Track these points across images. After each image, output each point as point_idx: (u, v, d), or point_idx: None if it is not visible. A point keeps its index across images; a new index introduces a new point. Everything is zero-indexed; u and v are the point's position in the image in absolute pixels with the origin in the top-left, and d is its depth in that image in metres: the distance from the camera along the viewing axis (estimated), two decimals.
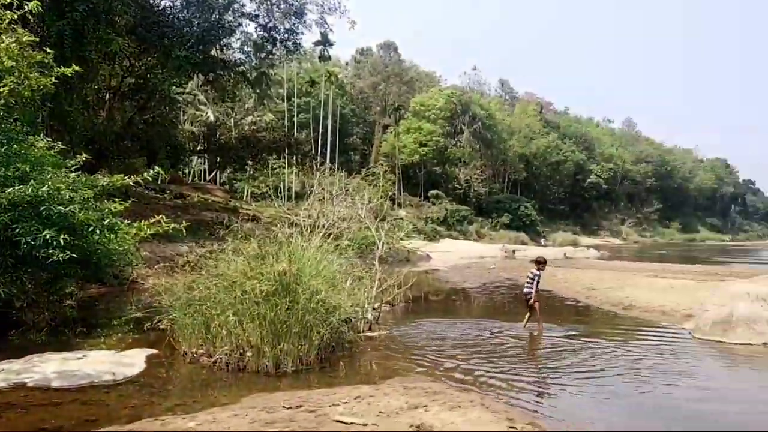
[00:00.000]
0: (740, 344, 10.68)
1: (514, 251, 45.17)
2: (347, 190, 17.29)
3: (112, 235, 10.56)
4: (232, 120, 40.88)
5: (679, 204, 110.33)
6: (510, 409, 6.68)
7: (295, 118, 51.04)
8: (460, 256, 39.76)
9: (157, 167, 12.29)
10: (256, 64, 33.27)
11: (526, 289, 12.46)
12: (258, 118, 42.72)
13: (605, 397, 7.57)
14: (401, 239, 19.75)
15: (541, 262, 12.68)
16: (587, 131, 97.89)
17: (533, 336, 11.87)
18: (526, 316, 12.44)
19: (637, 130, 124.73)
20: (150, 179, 11.54)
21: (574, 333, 12.03)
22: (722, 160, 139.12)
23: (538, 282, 12.41)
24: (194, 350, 8.85)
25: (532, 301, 12.31)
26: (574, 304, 16.89)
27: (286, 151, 39.22)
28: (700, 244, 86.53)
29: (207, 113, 39.43)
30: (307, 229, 12.37)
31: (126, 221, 11.06)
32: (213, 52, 28.74)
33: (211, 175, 47.86)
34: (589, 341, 11.16)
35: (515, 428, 5.72)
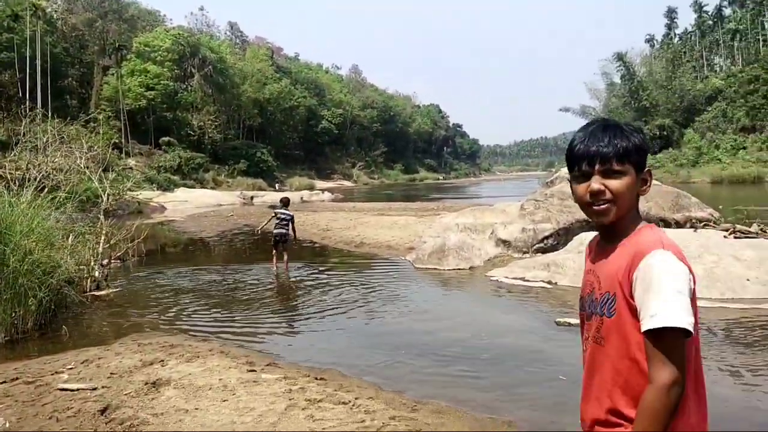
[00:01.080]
0: (452, 270, 12.11)
1: (252, 198, 45.19)
2: (63, 138, 15.66)
3: None
4: None
5: (401, 147, 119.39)
6: (250, 354, 6.81)
7: None
8: (197, 206, 38.63)
9: None
10: None
11: (280, 230, 12.77)
12: None
13: (337, 331, 8.09)
14: (130, 190, 18.59)
15: (287, 203, 13.34)
16: (317, 77, 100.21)
17: (275, 278, 12.19)
18: (275, 257, 12.86)
19: (363, 77, 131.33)
20: None
21: (311, 273, 12.56)
22: (436, 106, 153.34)
23: (293, 221, 12.96)
24: None
25: (295, 242, 13.23)
26: (311, 246, 17.55)
27: None
28: (420, 183, 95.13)
29: None
30: (15, 183, 11.01)
31: None
32: None
33: None
34: (325, 279, 11.76)
35: (255, 370, 5.86)
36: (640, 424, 1.50)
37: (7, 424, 4.51)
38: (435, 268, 12.22)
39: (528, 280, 10.39)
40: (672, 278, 1.52)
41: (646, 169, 1.71)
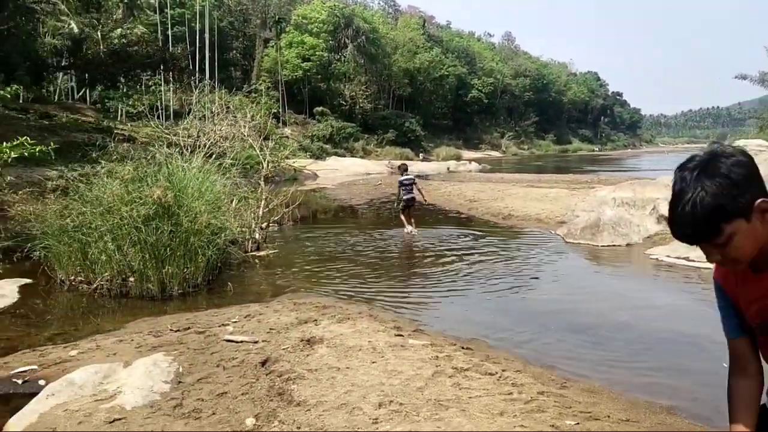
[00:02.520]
0: (607, 246, 11.59)
1: (399, 167, 45.76)
2: (229, 107, 16.74)
3: None
4: (99, 33, 37.74)
5: (554, 117, 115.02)
6: (397, 318, 6.97)
7: (169, 32, 47.73)
8: (347, 174, 39.84)
9: (16, 85, 11.29)
10: None
11: (409, 195, 13.56)
12: (128, 31, 39.59)
13: (483, 302, 8.05)
14: (287, 158, 19.54)
15: (405, 169, 14.33)
16: (469, 46, 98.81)
17: (414, 244, 12.36)
18: (406, 221, 13.64)
19: (516, 44, 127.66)
20: (8, 97, 10.57)
21: (457, 243, 12.56)
22: (594, 73, 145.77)
23: (416, 183, 13.84)
24: (72, 278, 8.50)
25: (425, 202, 14.12)
26: (457, 216, 17.53)
27: (162, 67, 36.99)
28: (572, 155, 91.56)
29: (70, 25, 36.11)
30: (187, 149, 11.95)
31: None
32: None
33: (80, 94, 44.53)
34: (471, 250, 11.70)
35: (402, 335, 5.98)
36: None
37: (181, 369, 4.97)
38: (588, 244, 11.76)
39: (693, 261, 9.68)
40: None
41: (760, 201, 1.48)
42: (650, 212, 12.41)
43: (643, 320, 6.97)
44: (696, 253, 9.79)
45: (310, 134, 52.11)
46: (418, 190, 13.78)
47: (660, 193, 12.95)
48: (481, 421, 3.84)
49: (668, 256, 10.17)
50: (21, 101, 32.65)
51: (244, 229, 10.91)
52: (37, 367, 5.17)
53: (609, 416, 4.15)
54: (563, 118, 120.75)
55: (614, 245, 11.56)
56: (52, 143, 10.89)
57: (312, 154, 43.98)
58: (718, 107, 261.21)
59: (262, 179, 13.16)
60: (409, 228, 13.51)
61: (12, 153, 10.18)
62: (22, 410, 4.19)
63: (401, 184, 13.75)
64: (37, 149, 10.16)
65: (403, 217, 13.70)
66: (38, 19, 31.73)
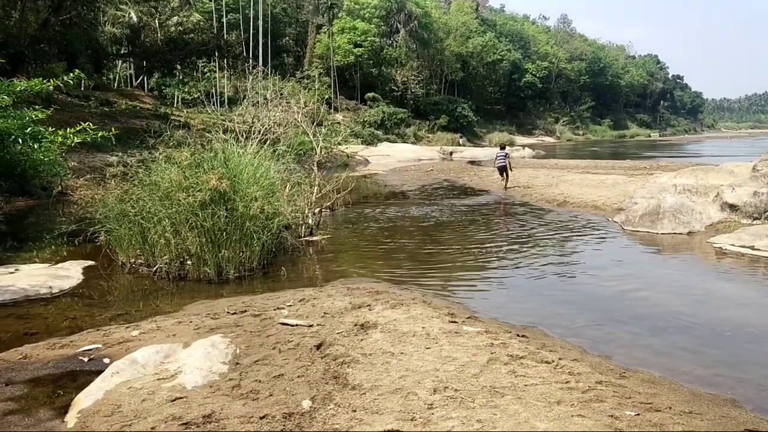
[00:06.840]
0: (667, 234, 11.26)
1: (451, 153, 45.49)
2: (282, 94, 16.87)
3: (36, 145, 10.07)
4: (156, 21, 38.58)
5: (610, 101, 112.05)
6: (450, 305, 6.92)
7: (224, 19, 48.40)
8: (399, 160, 39.77)
9: (78, 71, 11.63)
10: None
11: (500, 164, 20.91)
12: (184, 19, 40.25)
13: (537, 289, 7.93)
14: (339, 144, 19.59)
15: (502, 147, 21.60)
16: (523, 29, 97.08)
17: (466, 229, 12.25)
18: (503, 181, 20.68)
19: (572, 27, 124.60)
20: (71, 84, 10.90)
21: (509, 230, 12.40)
22: (653, 56, 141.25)
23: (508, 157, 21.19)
24: (132, 260, 8.75)
25: (509, 168, 20.86)
26: (511, 203, 17.30)
27: (217, 54, 37.58)
28: (630, 140, 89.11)
29: (129, 14, 36.98)
30: (242, 135, 12.10)
31: (50, 129, 10.53)
32: None
33: (138, 81, 45.72)
34: (524, 238, 11.55)
35: (456, 322, 5.94)
36: None
37: (238, 351, 5.06)
38: (647, 232, 11.45)
39: (758, 249, 9.34)
40: None
41: None
42: (713, 199, 12.00)
43: (705, 310, 6.76)
44: (763, 241, 9.48)
45: (361, 120, 52.15)
46: (509, 163, 20.82)
47: (723, 180, 12.50)
48: (538, 409, 3.79)
49: (732, 244, 9.82)
50: (83, 88, 33.75)
51: (297, 215, 10.99)
52: (101, 346, 5.34)
53: (670, 408, 4.04)
54: (620, 103, 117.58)
55: (675, 233, 11.22)
56: (112, 129, 11.24)
57: (363, 140, 44.05)
58: None
59: (315, 165, 13.23)
60: (502, 184, 20.55)
61: (75, 138, 10.56)
62: (89, 387, 4.34)
63: (496, 156, 21.39)
64: (99, 135, 10.51)
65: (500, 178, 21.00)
66: (99, 8, 32.60)
